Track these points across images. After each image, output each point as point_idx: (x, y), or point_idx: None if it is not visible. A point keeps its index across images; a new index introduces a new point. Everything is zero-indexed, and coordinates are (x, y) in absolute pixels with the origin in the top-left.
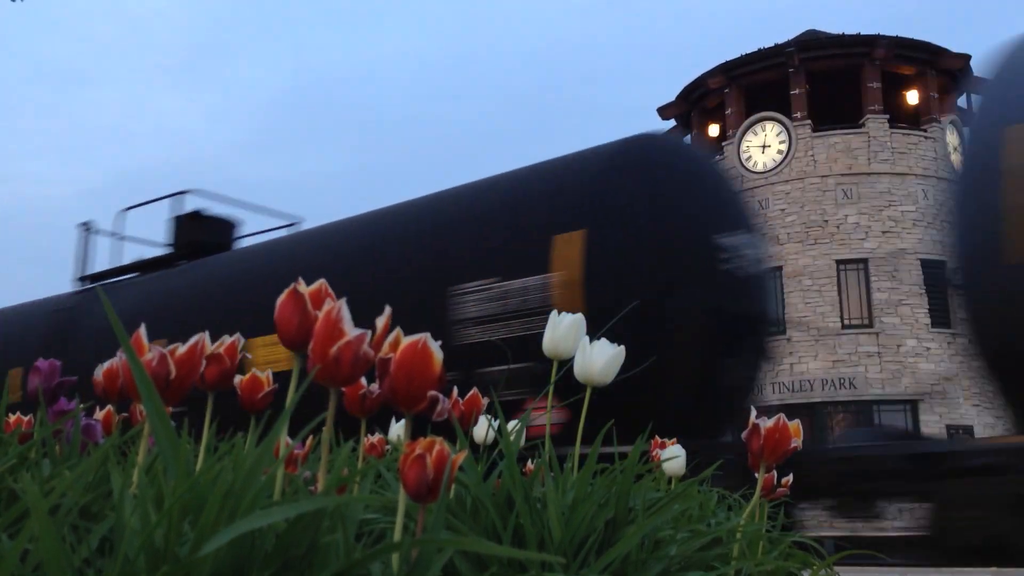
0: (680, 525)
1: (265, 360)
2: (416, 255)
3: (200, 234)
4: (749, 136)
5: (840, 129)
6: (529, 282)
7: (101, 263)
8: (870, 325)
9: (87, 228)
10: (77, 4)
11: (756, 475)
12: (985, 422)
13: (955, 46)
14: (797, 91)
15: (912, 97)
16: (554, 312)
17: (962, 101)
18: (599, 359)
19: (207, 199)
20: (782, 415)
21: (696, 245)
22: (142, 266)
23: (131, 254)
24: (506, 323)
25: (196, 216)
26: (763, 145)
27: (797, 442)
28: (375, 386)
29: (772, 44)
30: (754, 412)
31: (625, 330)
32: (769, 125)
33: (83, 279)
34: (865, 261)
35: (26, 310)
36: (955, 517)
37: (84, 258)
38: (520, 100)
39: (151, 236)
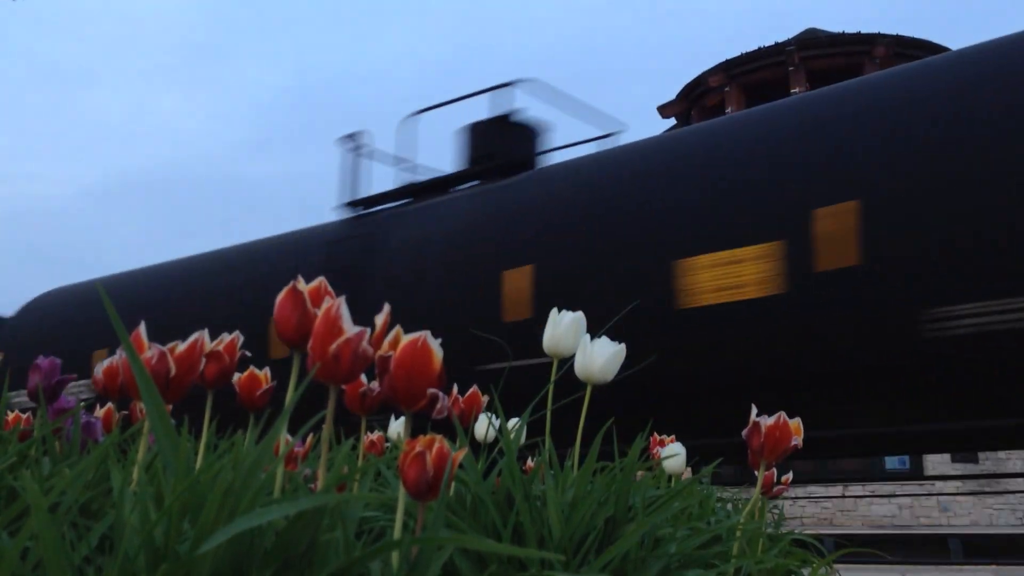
0: (680, 523)
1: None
2: None
3: (502, 146)
4: None
5: None
6: None
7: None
8: None
9: (355, 144)
10: (78, 5)
11: None
12: None
13: (955, 45)
14: (797, 89)
15: None
16: (553, 310)
17: None
18: (599, 357)
19: (537, 97)
20: (782, 413)
21: None
22: (431, 187)
23: (421, 172)
24: None
25: (498, 123)
26: None
27: (797, 440)
28: (375, 384)
29: (772, 42)
30: (754, 410)
31: None
32: None
33: (353, 204)
34: None
35: (290, 242)
36: None
37: (353, 180)
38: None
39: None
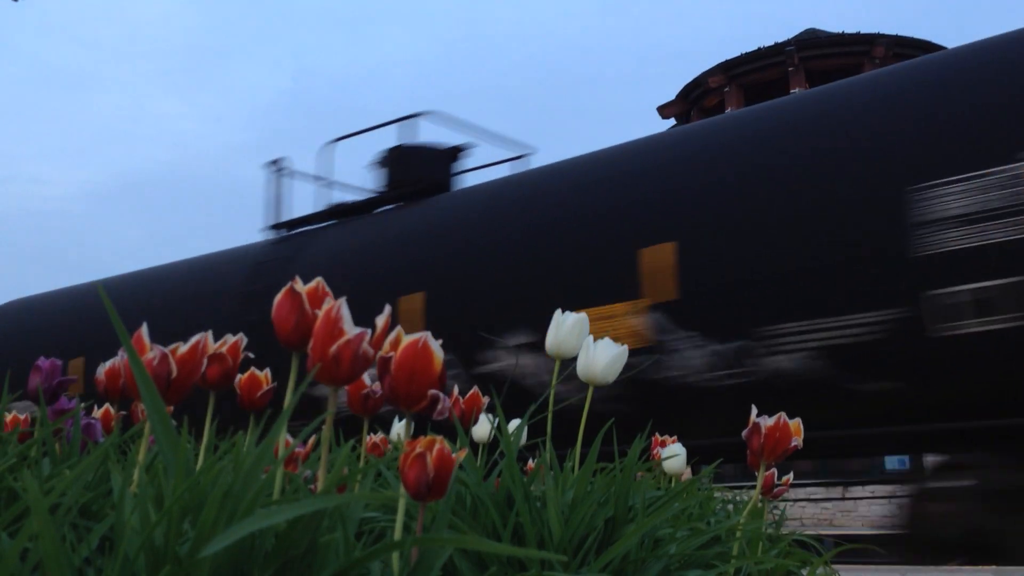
0: (680, 524)
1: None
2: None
3: (415, 171)
4: None
5: None
6: None
7: (302, 207)
8: None
9: (278, 168)
10: (79, 8)
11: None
12: None
13: (955, 45)
14: (797, 90)
15: None
16: (557, 311)
17: None
18: (601, 358)
19: (441, 124)
20: (783, 414)
21: None
22: (346, 210)
23: (341, 195)
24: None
25: (408, 150)
26: None
27: (797, 441)
28: (378, 385)
29: (772, 43)
30: (754, 410)
31: None
32: None
33: (277, 227)
34: None
35: (217, 262)
36: None
37: (277, 203)
38: (519, 102)
39: (361, 174)
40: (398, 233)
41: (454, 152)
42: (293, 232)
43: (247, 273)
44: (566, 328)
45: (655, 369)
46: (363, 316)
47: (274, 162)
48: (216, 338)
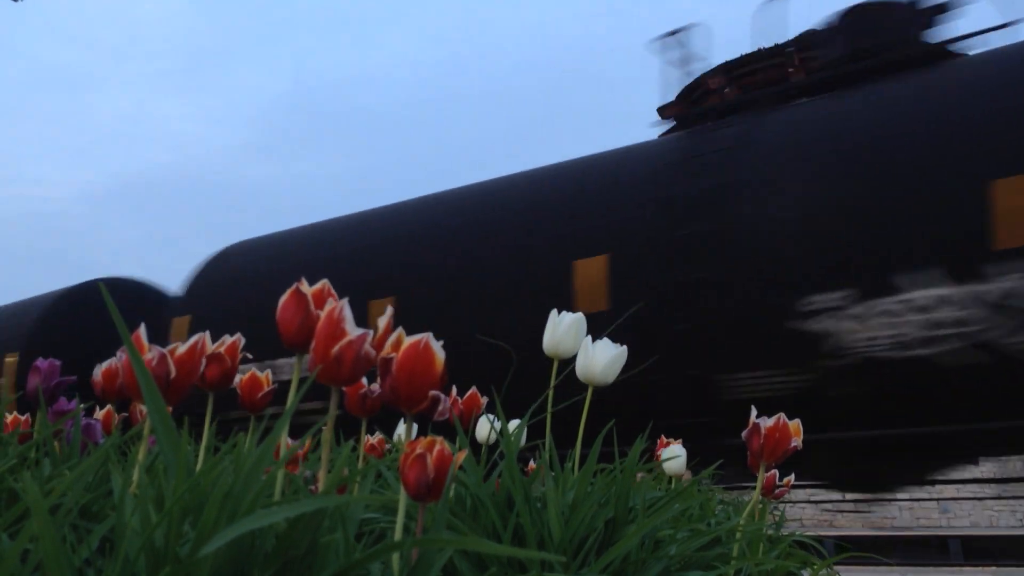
0: (680, 525)
1: None
2: None
3: (876, 37)
4: None
5: None
6: None
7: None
8: None
9: (679, 43)
10: (79, 8)
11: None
12: None
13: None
14: None
15: None
16: (553, 311)
17: None
18: (601, 359)
19: None
20: (782, 415)
21: None
22: (785, 94)
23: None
24: None
25: (870, 8)
26: None
27: (797, 441)
28: (375, 386)
29: (772, 44)
30: (754, 410)
31: None
32: None
33: (686, 117)
34: None
35: (590, 167)
36: None
37: (685, 89)
38: (518, 104)
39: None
40: (925, 105)
41: (932, 11)
42: (719, 121)
43: (657, 175)
44: (563, 328)
45: None
46: (933, 201)
47: (672, 34)
48: (641, 257)
